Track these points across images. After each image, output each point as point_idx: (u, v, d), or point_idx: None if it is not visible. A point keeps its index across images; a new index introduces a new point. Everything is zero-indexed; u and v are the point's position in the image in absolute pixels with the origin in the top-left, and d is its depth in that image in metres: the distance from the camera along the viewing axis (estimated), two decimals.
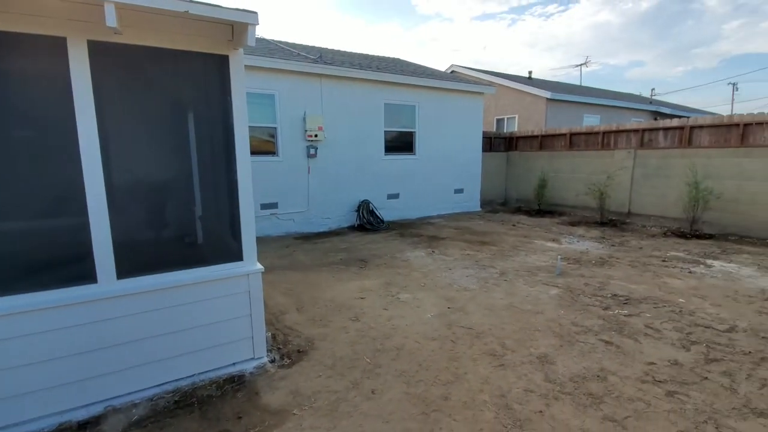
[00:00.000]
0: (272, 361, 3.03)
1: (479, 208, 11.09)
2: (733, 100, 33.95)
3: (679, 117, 12.02)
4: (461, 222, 9.21)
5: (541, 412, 2.46)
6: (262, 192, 7.52)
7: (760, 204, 7.06)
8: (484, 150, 11.34)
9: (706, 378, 2.81)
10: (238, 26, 2.50)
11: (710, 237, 7.28)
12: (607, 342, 3.34)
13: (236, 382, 2.78)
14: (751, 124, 7.18)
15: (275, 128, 7.55)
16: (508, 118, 15.23)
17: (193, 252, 2.89)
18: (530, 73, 17.93)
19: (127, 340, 2.52)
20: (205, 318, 2.74)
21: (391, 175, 9.21)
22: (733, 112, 16.24)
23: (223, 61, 2.66)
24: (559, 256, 5.68)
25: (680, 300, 4.25)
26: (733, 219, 7.38)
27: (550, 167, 10.81)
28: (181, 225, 2.91)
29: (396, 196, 9.37)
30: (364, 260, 5.95)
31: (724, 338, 3.39)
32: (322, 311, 4.04)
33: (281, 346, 3.29)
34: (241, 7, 2.36)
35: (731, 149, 7.42)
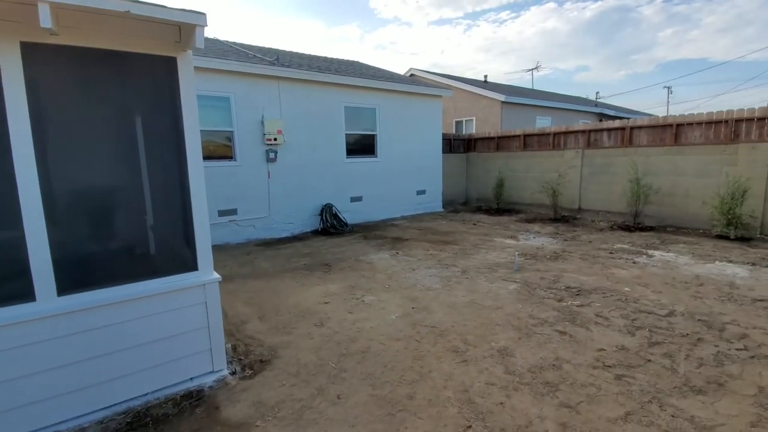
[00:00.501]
0: (233, 373, 2.94)
1: (441, 209, 11.33)
2: (668, 102, 37.03)
3: (621, 118, 12.89)
4: (424, 222, 9.36)
5: (501, 403, 2.55)
6: (220, 198, 7.27)
7: (692, 197, 7.72)
8: (445, 151, 11.61)
9: (650, 360, 3.03)
10: (185, 27, 2.41)
11: (651, 229, 7.87)
12: (561, 332, 3.52)
13: (194, 398, 2.66)
14: (682, 124, 7.85)
15: (232, 132, 7.32)
16: (466, 120, 15.68)
17: (144, 263, 2.74)
18: (486, 77, 18.57)
19: (72, 361, 2.35)
20: (159, 332, 2.61)
21: (353, 177, 9.20)
22: (668, 114, 17.62)
23: (170, 63, 2.55)
24: (516, 253, 5.92)
25: (626, 289, 4.56)
26: (670, 212, 8.02)
27: (507, 167, 11.24)
28: (131, 235, 2.76)
29: (359, 198, 9.37)
30: (328, 264, 5.90)
31: (665, 322, 3.67)
32: (286, 318, 3.97)
33: (242, 357, 3.19)
34: (188, 8, 2.28)
35: (666, 147, 8.07)
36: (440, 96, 10.83)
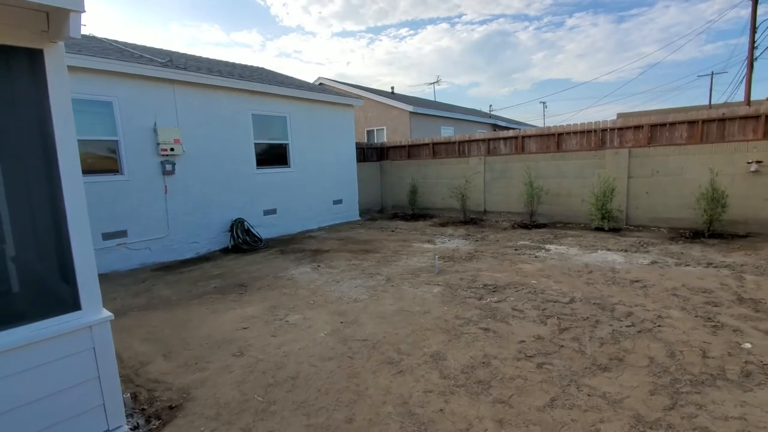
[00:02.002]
0: (135, 428, 2.45)
1: (359, 217, 11.32)
2: (544, 115, 42.97)
3: (512, 128, 14.42)
4: (343, 232, 9.24)
5: (441, 410, 2.54)
6: (105, 218, 6.23)
7: (574, 196, 8.90)
8: (359, 160, 11.67)
9: (562, 346, 3.32)
10: (55, 13, 1.96)
11: (545, 226, 8.86)
12: (485, 329, 3.69)
13: None
14: (562, 133, 9.03)
15: (117, 141, 6.34)
16: (377, 130, 16.03)
17: (5, 306, 2.14)
18: (392, 88, 19.29)
19: None
20: (32, 393, 2.05)
21: (266, 189, 8.68)
22: (545, 125, 20.26)
23: (36, 58, 2.06)
24: (436, 256, 6.13)
25: (533, 282, 5.00)
26: (558, 210, 9.13)
27: (419, 174, 11.73)
28: None
29: (273, 211, 8.88)
30: (243, 285, 5.41)
31: (568, 309, 4.09)
32: (198, 352, 3.49)
33: (146, 406, 2.69)
34: None
35: (551, 154, 9.20)
36: (352, 105, 10.87)
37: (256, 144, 8.45)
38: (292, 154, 9.23)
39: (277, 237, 8.83)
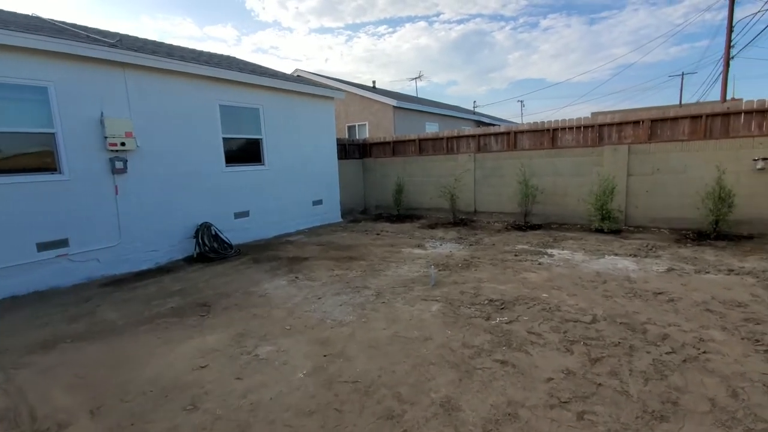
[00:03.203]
0: None
1: (341, 219, 10.54)
2: (522, 114, 43.16)
3: (495, 125, 13.92)
4: (324, 236, 8.45)
5: None
6: (39, 225, 5.25)
7: (569, 195, 8.40)
8: (340, 157, 10.89)
9: (600, 384, 2.69)
10: None
11: (540, 227, 8.33)
12: (502, 362, 3.02)
13: None
14: (557, 129, 8.51)
15: (53, 134, 5.34)
16: (359, 125, 15.26)
17: None
18: (374, 82, 18.54)
19: None
20: None
21: (236, 190, 7.79)
22: (523, 123, 19.91)
23: None
24: (431, 265, 5.45)
25: (544, 295, 4.38)
26: (553, 209, 8.63)
27: (405, 172, 11.04)
28: None
29: (245, 214, 8.00)
30: (206, 304, 4.57)
31: (593, 331, 3.47)
32: (137, 405, 2.67)
33: None
34: None
35: (545, 150, 8.67)
36: (332, 98, 10.06)
37: (224, 139, 7.55)
38: (267, 151, 8.36)
39: (250, 242, 7.95)
